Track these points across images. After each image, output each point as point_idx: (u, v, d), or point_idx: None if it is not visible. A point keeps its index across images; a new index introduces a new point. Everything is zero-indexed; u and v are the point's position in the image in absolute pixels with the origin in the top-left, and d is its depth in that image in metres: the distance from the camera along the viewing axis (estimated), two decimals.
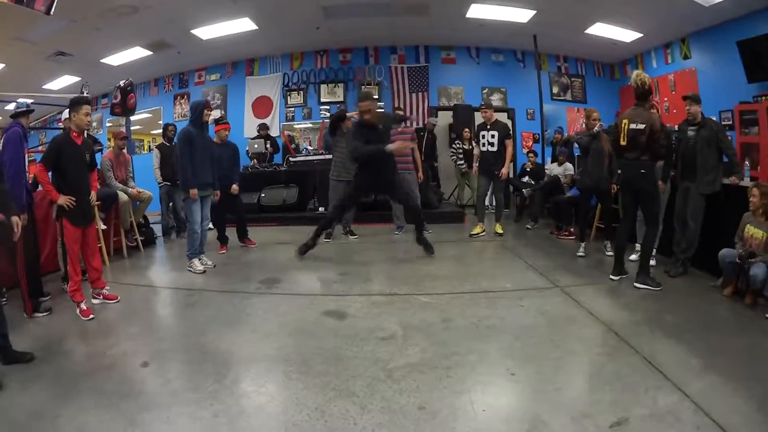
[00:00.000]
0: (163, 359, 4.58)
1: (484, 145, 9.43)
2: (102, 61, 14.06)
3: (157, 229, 9.97)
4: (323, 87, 15.58)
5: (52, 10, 8.61)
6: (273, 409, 3.60)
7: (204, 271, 7.57)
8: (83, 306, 5.63)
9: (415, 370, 4.07)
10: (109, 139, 11.28)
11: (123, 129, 10.58)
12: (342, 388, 3.81)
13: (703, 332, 4.77)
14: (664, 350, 4.29)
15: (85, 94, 10.54)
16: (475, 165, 9.86)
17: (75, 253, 5.71)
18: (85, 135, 9.75)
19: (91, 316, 5.59)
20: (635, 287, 6.21)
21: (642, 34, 12.79)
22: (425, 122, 14.02)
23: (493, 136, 9.34)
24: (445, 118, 14.60)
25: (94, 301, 6.02)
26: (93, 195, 6.06)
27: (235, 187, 8.99)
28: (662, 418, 3.24)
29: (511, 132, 9.74)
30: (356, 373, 4.05)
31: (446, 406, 3.50)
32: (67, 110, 7.05)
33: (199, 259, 7.82)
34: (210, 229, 9.98)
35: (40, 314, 5.82)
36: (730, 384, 3.69)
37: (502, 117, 13.14)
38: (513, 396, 3.74)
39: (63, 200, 5.55)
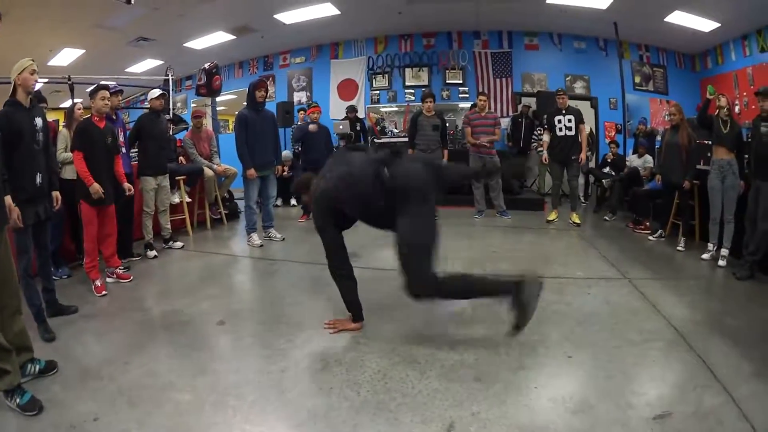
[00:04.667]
0: (239, 319, 4.84)
1: (561, 130, 9.31)
2: (185, 45, 14.46)
3: (241, 204, 10.09)
4: (408, 71, 15.57)
5: None
6: (339, 368, 3.77)
7: (261, 245, 7.84)
8: (98, 283, 5.74)
9: (477, 345, 4.18)
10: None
11: (201, 108, 10.84)
12: (405, 355, 3.97)
13: (760, 339, 4.58)
14: (719, 352, 4.19)
15: (169, 77, 10.91)
16: (545, 153, 9.75)
17: (92, 232, 5.80)
18: (171, 114, 10.21)
19: (104, 293, 5.67)
20: None
21: (719, 24, 12.32)
22: (521, 108, 13.89)
23: (570, 121, 9.25)
24: (531, 105, 14.21)
25: (108, 280, 6.10)
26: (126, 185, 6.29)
27: None
28: (705, 417, 3.20)
29: (583, 117, 9.59)
30: (421, 343, 4.20)
31: (501, 380, 3.60)
32: (154, 91, 7.49)
33: (266, 234, 8.27)
34: (277, 205, 10.33)
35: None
36: None
37: (585, 105, 12.98)
38: (566, 378, 3.77)
39: (95, 189, 5.63)
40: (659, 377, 3.78)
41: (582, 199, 11.90)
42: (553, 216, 9.74)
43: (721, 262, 6.87)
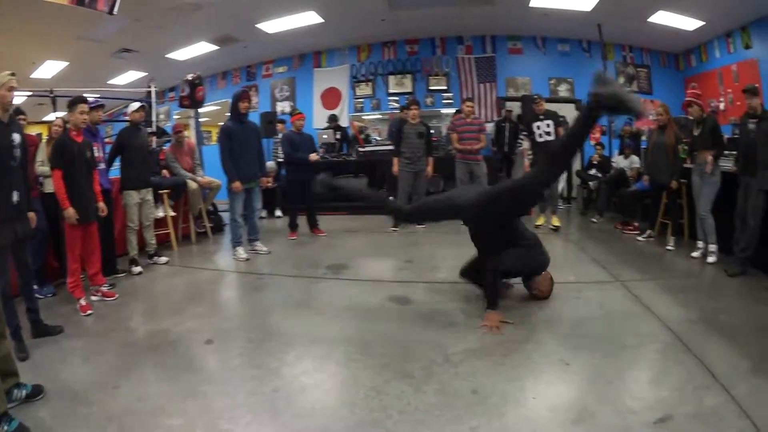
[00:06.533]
0: (227, 337, 4.74)
1: (540, 136, 9.33)
2: (168, 56, 14.37)
3: (226, 217, 10.03)
4: (391, 78, 15.51)
5: (115, 9, 8.77)
6: (331, 386, 3.74)
7: (248, 259, 7.75)
8: (82, 302, 5.60)
9: (472, 356, 4.14)
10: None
11: (180, 123, 10.79)
12: (400, 370, 3.91)
13: (756, 335, 4.64)
14: (716, 350, 4.22)
15: (152, 89, 10.83)
16: (526, 160, 9.85)
17: (75, 251, 5.69)
18: (154, 127, 10.13)
19: (89, 312, 5.52)
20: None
21: (704, 22, 12.35)
22: (504, 113, 13.86)
23: (548, 125, 9.26)
24: (513, 110, 14.18)
25: (93, 298, 5.93)
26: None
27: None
28: (706, 418, 3.20)
29: (559, 119, 9.62)
30: (415, 357, 4.15)
31: (498, 391, 3.56)
32: (134, 104, 7.38)
33: (252, 247, 8.16)
34: (263, 217, 10.28)
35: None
36: None
37: (569, 108, 12.97)
38: (564, 386, 3.77)
39: (70, 213, 5.47)
40: (658, 380, 3.78)
41: (560, 202, 11.85)
42: (541, 221, 9.73)
43: (710, 259, 7.01)
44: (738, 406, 3.29)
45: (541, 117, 9.34)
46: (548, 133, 9.24)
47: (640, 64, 15.12)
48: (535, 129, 9.36)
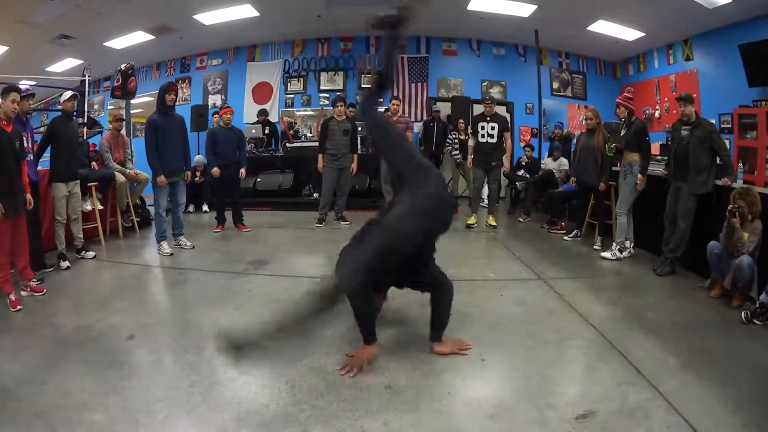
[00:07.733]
0: (148, 333, 4.71)
1: (483, 136, 9.52)
2: (104, 44, 14.05)
3: (153, 211, 9.89)
4: (323, 75, 15.54)
5: None
6: (246, 380, 3.74)
7: (172, 254, 7.70)
8: (12, 297, 5.47)
9: (387, 351, 4.18)
10: (110, 122, 11.26)
11: (122, 112, 10.64)
12: (314, 364, 3.96)
13: (684, 332, 4.74)
14: (642, 347, 4.28)
15: (86, 78, 10.63)
16: (470, 157, 9.93)
17: (4, 244, 5.53)
18: (85, 117, 9.92)
19: (19, 307, 5.38)
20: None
21: (644, 34, 12.76)
22: (432, 113, 13.94)
23: (493, 128, 9.45)
24: (443, 110, 14.30)
25: (22, 293, 5.78)
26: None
27: (242, 171, 9.41)
28: (631, 414, 3.25)
29: (509, 125, 9.83)
30: (330, 351, 4.20)
31: (412, 386, 3.62)
32: (66, 92, 7.21)
33: (177, 241, 8.12)
34: (189, 212, 10.56)
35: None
36: (707, 385, 3.65)
37: (501, 110, 13.21)
38: (480, 381, 3.80)
39: None
40: (579, 376, 3.87)
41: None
42: (473, 220, 9.88)
43: (621, 255, 7.38)
44: (667, 401, 3.37)
45: (488, 118, 9.51)
46: (491, 135, 9.45)
47: (576, 70, 15.56)
48: (479, 129, 9.56)
